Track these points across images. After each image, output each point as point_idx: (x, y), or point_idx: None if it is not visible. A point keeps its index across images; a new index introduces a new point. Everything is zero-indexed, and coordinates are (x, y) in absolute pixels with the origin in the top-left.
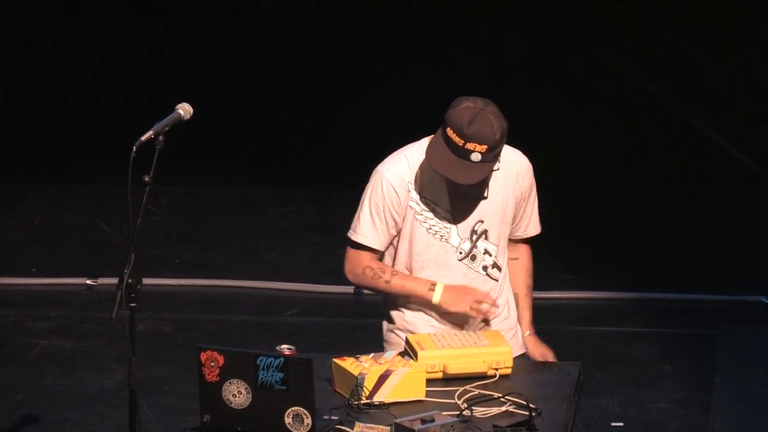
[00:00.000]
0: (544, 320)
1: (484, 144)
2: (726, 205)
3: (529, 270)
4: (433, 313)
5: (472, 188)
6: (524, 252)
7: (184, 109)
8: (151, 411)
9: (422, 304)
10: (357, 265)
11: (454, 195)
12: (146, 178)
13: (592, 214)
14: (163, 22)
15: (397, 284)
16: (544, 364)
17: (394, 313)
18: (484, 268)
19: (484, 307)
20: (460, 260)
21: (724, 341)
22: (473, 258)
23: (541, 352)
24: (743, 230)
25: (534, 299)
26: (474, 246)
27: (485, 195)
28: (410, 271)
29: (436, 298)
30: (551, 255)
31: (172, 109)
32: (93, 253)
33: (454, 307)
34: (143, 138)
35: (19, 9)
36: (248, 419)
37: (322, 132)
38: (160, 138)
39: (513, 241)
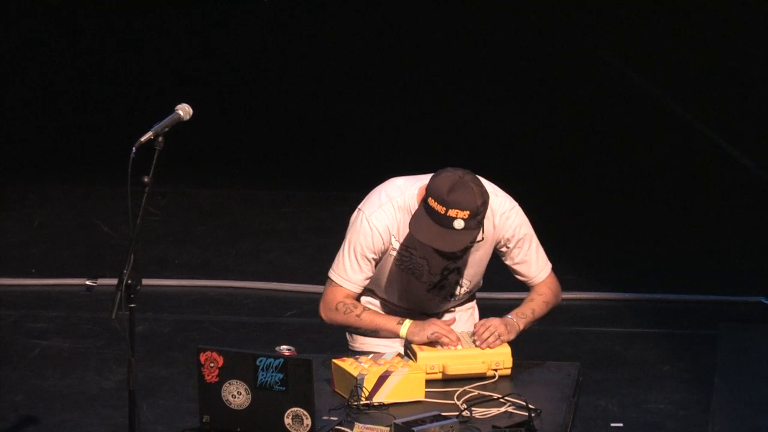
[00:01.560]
0: (544, 321)
1: (466, 210)
2: (726, 205)
3: (549, 301)
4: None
5: (454, 254)
6: (543, 289)
7: (184, 110)
8: (150, 412)
9: (390, 337)
10: (331, 300)
11: (431, 252)
12: (146, 179)
13: (592, 215)
14: (164, 23)
15: (367, 318)
16: (543, 365)
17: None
18: (451, 294)
19: (445, 340)
20: (428, 290)
21: (723, 341)
22: (442, 287)
23: (493, 324)
24: (743, 230)
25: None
26: (444, 279)
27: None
28: (381, 298)
29: (403, 331)
30: (551, 255)
31: (172, 110)
32: (93, 253)
33: (417, 337)
34: (143, 139)
35: (19, 8)
36: (248, 420)
37: (322, 133)
38: (160, 139)
39: (531, 285)
